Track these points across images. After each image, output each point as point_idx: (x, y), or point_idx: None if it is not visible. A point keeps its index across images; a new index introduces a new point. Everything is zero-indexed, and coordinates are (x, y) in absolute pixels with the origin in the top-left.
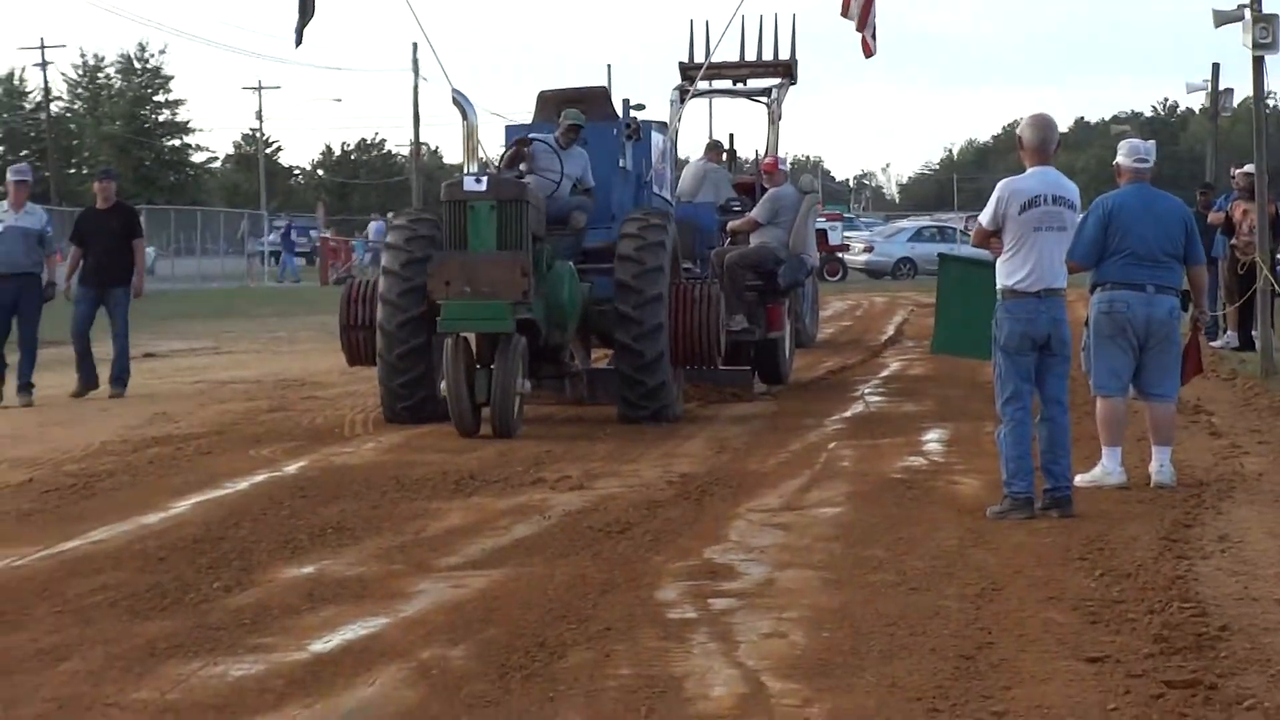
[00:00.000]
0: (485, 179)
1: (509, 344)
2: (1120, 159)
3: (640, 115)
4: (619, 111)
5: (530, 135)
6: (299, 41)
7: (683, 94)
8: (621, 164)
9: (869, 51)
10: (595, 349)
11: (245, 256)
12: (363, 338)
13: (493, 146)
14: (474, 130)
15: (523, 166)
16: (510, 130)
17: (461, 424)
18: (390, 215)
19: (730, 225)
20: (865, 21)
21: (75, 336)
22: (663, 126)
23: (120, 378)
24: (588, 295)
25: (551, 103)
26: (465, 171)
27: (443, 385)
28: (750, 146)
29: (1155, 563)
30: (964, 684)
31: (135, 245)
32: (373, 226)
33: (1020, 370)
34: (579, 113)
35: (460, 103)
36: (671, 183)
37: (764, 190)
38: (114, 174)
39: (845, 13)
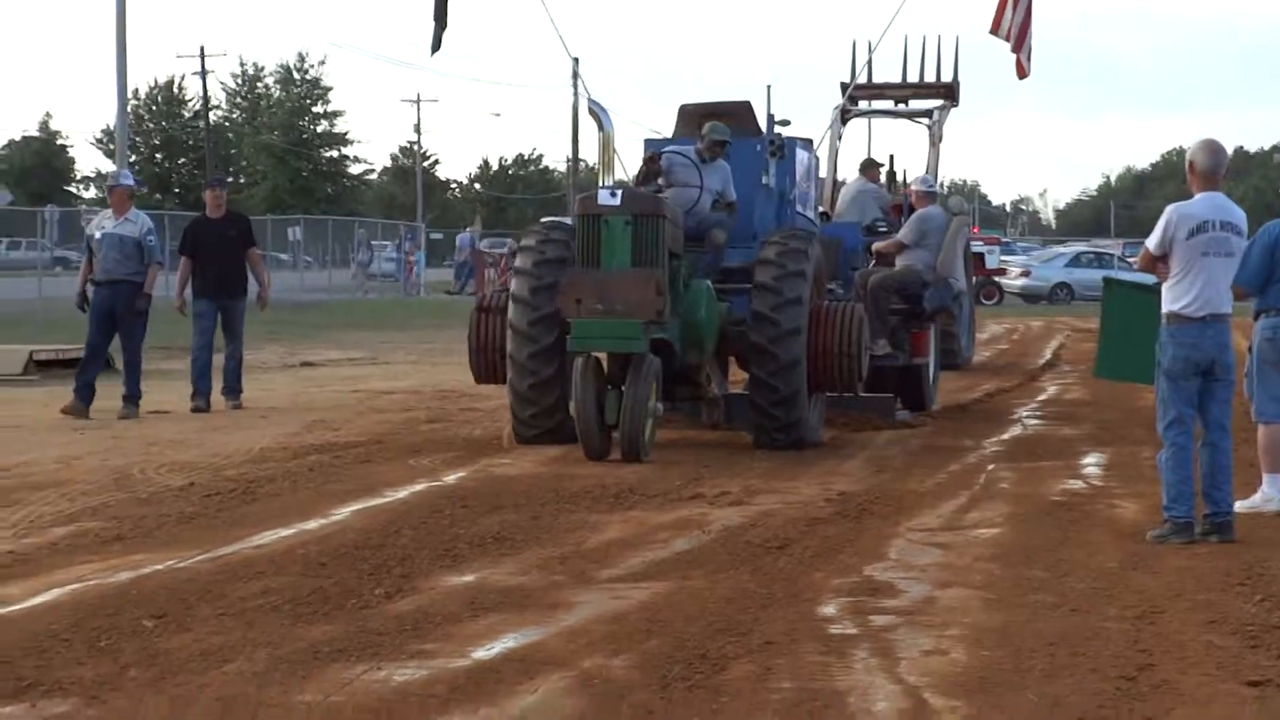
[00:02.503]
0: (620, 193)
1: (642, 364)
2: None
3: (785, 131)
4: (763, 127)
5: (665, 149)
6: (435, 49)
7: (843, 114)
8: (764, 181)
9: (1023, 73)
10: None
11: (357, 267)
12: (492, 351)
13: (635, 160)
14: (610, 141)
15: (661, 181)
16: (650, 144)
17: (589, 446)
18: (469, 228)
19: (875, 246)
20: (1022, 43)
21: (199, 351)
22: (808, 143)
23: (235, 388)
24: (726, 315)
25: (693, 117)
26: (600, 185)
27: (572, 405)
28: (908, 168)
29: None
30: (1125, 704)
31: (252, 255)
32: (460, 238)
33: (1183, 395)
34: (725, 127)
35: (596, 112)
36: (816, 201)
37: (912, 211)
38: (225, 181)
39: (995, 30)
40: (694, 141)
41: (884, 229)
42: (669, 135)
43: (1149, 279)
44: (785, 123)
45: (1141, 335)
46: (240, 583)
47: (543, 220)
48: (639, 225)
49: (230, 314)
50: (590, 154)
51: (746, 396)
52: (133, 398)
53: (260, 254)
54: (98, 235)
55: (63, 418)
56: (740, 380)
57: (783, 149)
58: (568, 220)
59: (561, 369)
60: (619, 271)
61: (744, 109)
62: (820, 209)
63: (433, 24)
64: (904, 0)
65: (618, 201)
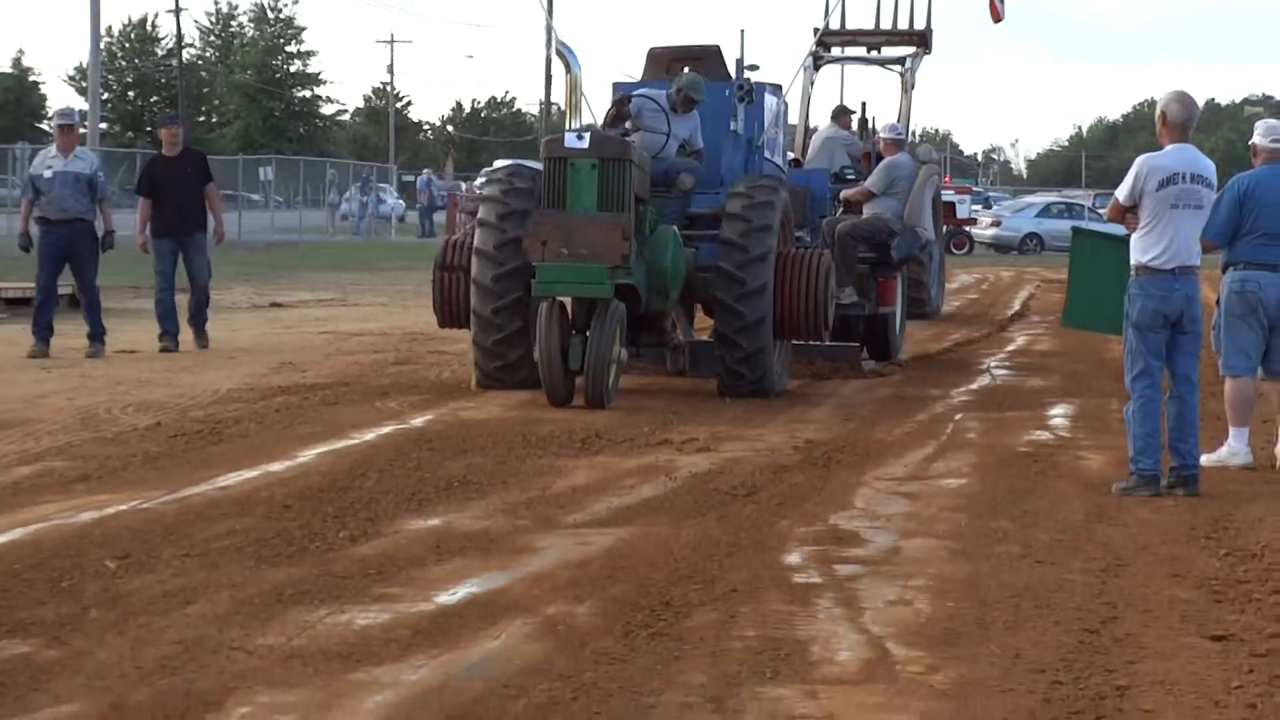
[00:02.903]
0: (587, 136)
1: (607, 310)
2: (1257, 139)
3: (754, 76)
4: (731, 72)
5: (636, 94)
6: None
7: (816, 60)
8: (733, 127)
9: (997, 16)
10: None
11: (327, 208)
12: (456, 305)
13: (604, 103)
14: (578, 83)
15: (628, 125)
16: (618, 87)
17: (553, 392)
18: (427, 172)
19: (843, 194)
20: None
21: (162, 293)
22: (777, 89)
23: (201, 327)
24: (692, 261)
25: (662, 60)
26: (568, 127)
27: (536, 351)
28: (879, 115)
29: None
30: (1087, 657)
31: (209, 190)
32: (419, 180)
33: (1151, 347)
34: (700, 82)
35: (564, 54)
36: (784, 148)
37: (880, 159)
38: (180, 119)
39: None
40: (664, 85)
41: (852, 176)
42: (638, 79)
43: (1118, 229)
44: (754, 68)
45: (1110, 285)
46: (204, 524)
47: (499, 164)
48: (606, 169)
49: (190, 251)
50: (562, 97)
51: (712, 344)
52: (97, 336)
53: (219, 192)
54: (47, 174)
55: (30, 358)
56: (707, 327)
57: (751, 94)
58: (528, 163)
59: (526, 323)
60: (585, 215)
61: (713, 53)
62: (791, 155)
63: None
64: None
65: (585, 144)
